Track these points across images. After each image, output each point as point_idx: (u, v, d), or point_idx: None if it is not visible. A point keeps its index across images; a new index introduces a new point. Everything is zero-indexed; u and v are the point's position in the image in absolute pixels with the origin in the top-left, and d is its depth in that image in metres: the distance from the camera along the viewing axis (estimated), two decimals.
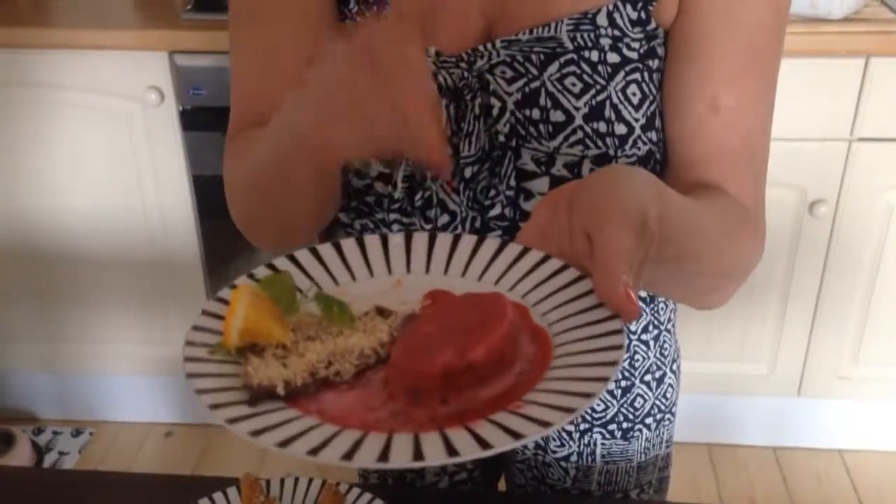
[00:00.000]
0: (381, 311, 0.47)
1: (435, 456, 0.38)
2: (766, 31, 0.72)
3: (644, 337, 0.87)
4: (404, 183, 0.72)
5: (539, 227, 0.52)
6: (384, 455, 0.38)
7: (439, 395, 0.41)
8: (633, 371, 0.87)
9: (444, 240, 0.54)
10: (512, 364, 0.43)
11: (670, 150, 0.74)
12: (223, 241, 2.00)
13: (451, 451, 0.38)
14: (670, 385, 0.92)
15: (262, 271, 0.50)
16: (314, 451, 0.38)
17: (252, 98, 0.76)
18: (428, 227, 0.72)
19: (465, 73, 0.70)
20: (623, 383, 0.87)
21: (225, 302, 0.47)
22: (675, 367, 0.92)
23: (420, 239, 0.54)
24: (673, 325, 0.92)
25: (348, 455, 0.38)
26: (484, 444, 0.38)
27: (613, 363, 0.43)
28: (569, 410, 0.40)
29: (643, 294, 0.86)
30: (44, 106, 1.80)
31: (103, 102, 1.80)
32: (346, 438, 0.40)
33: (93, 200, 1.88)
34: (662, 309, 0.88)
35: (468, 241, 0.53)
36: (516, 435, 0.39)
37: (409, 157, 0.51)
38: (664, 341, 0.89)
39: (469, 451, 0.38)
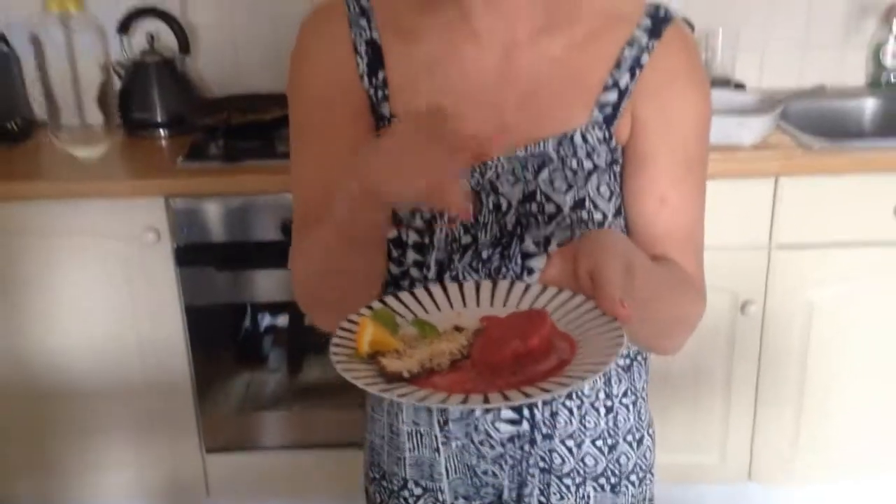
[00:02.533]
0: (458, 328, 0.71)
1: (496, 401, 0.62)
2: (696, 147, 1.00)
3: (624, 401, 1.09)
4: (436, 266, 0.96)
5: (553, 271, 0.77)
6: (465, 401, 0.62)
7: (511, 371, 0.65)
8: (617, 430, 1.09)
9: (486, 284, 0.79)
10: (553, 352, 0.67)
11: (631, 231, 1.00)
12: (212, 370, 2.19)
13: (506, 398, 0.62)
14: (648, 447, 1.14)
15: (369, 310, 0.74)
16: (442, 402, 0.61)
17: (313, 201, 0.99)
18: None
19: (480, 180, 0.96)
20: (609, 441, 1.09)
21: (347, 330, 0.70)
22: (650, 431, 1.15)
23: (469, 286, 0.79)
24: (646, 395, 1.15)
25: (444, 402, 0.62)
26: (528, 396, 0.62)
27: (619, 345, 0.67)
28: (596, 370, 0.64)
29: (621, 362, 1.09)
30: (46, 251, 2.01)
31: (103, 245, 2.01)
32: (450, 398, 0.63)
33: (90, 335, 2.07)
34: (637, 378, 1.11)
35: (504, 284, 0.78)
36: (564, 385, 0.62)
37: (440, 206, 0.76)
38: (640, 407, 1.12)
39: (517, 399, 0.62)
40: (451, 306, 0.78)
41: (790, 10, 2.45)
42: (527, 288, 0.78)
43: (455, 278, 0.96)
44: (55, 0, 0.79)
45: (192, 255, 2.03)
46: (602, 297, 0.72)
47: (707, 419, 2.15)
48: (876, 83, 2.46)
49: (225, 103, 2.25)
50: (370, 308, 0.74)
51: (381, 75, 0.99)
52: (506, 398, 0.62)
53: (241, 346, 2.42)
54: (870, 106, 2.40)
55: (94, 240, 2.01)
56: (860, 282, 2.05)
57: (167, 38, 2.30)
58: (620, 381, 1.08)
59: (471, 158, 0.77)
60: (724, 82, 2.35)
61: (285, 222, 1.98)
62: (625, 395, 1.08)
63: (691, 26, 2.33)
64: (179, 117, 2.23)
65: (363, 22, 1.00)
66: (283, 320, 2.49)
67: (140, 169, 2.07)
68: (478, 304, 0.78)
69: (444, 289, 0.79)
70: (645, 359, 1.12)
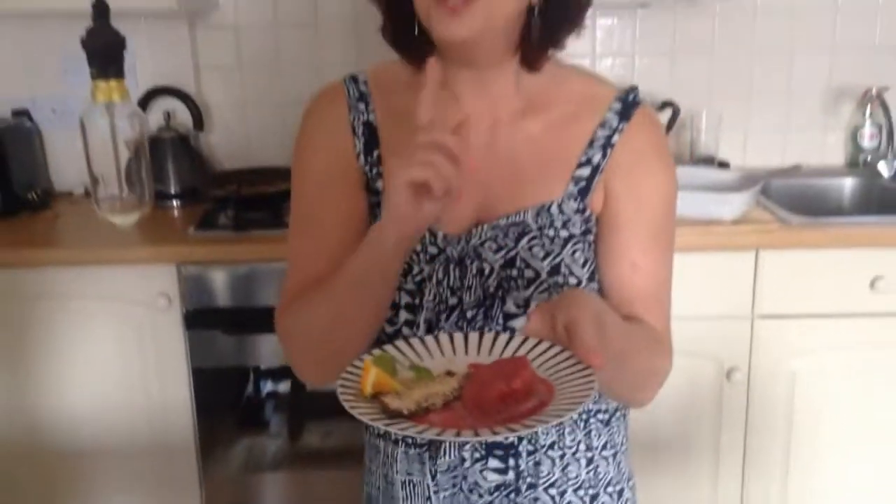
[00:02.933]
0: (450, 373, 0.81)
1: (484, 435, 0.72)
2: (663, 218, 1.11)
3: (604, 453, 1.18)
4: (425, 325, 1.06)
5: (534, 325, 0.87)
6: (458, 434, 0.72)
7: (496, 410, 0.74)
8: (598, 481, 1.17)
9: (473, 336, 0.90)
10: (533, 394, 0.77)
11: (605, 294, 1.11)
12: (216, 432, 2.27)
13: (494, 433, 0.72)
14: (629, 499, 1.22)
15: (371, 356, 0.84)
16: (437, 435, 0.71)
17: (307, 273, 1.09)
18: None
19: (465, 247, 1.06)
20: (591, 491, 1.17)
21: (352, 373, 0.81)
22: (630, 484, 1.23)
23: (459, 336, 0.90)
24: (626, 450, 1.23)
25: (440, 435, 0.72)
26: (513, 431, 0.72)
27: (592, 388, 0.77)
28: (572, 409, 0.73)
29: (601, 416, 1.18)
30: (61, 315, 2.11)
31: (116, 309, 2.12)
32: (444, 432, 0.73)
33: (99, 396, 2.16)
34: (617, 433, 1.20)
35: (489, 335, 0.89)
36: (544, 422, 0.72)
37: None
38: (620, 460, 1.21)
39: (503, 433, 0.71)
40: (443, 354, 0.88)
41: (771, 94, 2.61)
42: (510, 338, 0.88)
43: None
44: (102, 92, 0.91)
45: (201, 319, 2.13)
46: (577, 347, 0.83)
47: (696, 484, 2.22)
48: (854, 163, 2.60)
49: (235, 176, 2.38)
50: (371, 354, 0.84)
51: (375, 154, 1.10)
52: (494, 433, 0.72)
53: (244, 410, 2.50)
54: (848, 185, 2.54)
55: (107, 304, 2.11)
56: (840, 352, 2.15)
57: (183, 115, 2.45)
58: (600, 434, 1.16)
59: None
60: (708, 161, 2.49)
61: None
62: (604, 447, 1.17)
63: (677, 109, 2.48)
64: (192, 189, 2.36)
65: (361, 106, 1.12)
66: (284, 386, 2.58)
67: (154, 238, 2.19)
68: (466, 352, 0.88)
69: (437, 339, 0.89)
70: (624, 415, 1.21)
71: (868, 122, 2.56)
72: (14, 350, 2.12)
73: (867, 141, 2.57)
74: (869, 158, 2.56)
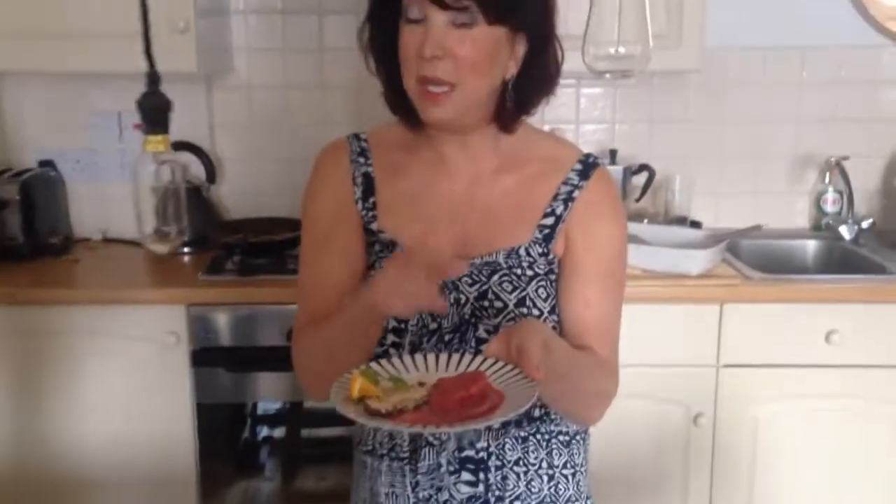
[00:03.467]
0: (421, 384, 1.00)
1: (443, 428, 0.91)
2: (615, 262, 1.31)
3: (564, 472, 1.35)
4: (409, 347, 1.25)
5: (493, 347, 1.06)
6: (423, 427, 0.91)
7: (457, 412, 0.94)
8: (557, 496, 1.34)
9: (443, 356, 1.10)
10: (487, 400, 0.96)
11: (563, 325, 1.29)
12: (215, 468, 2.43)
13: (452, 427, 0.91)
14: None
15: (358, 369, 1.04)
16: (408, 429, 0.90)
17: (316, 297, 1.30)
18: None
19: (445, 281, 1.24)
20: None
21: (342, 382, 1.00)
22: (589, 502, 1.41)
23: (431, 356, 1.10)
24: (585, 470, 1.40)
25: (410, 428, 0.91)
26: (466, 425, 0.92)
27: (533, 396, 0.96)
28: (516, 412, 0.93)
29: (562, 438, 1.35)
30: (77, 351, 2.29)
31: (127, 346, 2.29)
32: (413, 427, 0.93)
33: (110, 427, 2.31)
34: (576, 454, 1.37)
35: (456, 355, 1.09)
36: (492, 419, 0.92)
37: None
38: (579, 479, 1.38)
39: (459, 427, 0.91)
40: (418, 370, 1.07)
41: (741, 161, 2.84)
42: (472, 358, 1.08)
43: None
44: (151, 144, 1.12)
45: (206, 356, 2.31)
46: (524, 365, 1.02)
47: None
48: (818, 226, 2.81)
49: (243, 225, 2.59)
50: (358, 368, 1.04)
51: (371, 200, 1.31)
52: (450, 426, 0.91)
53: (241, 453, 2.67)
54: (812, 246, 2.74)
55: (120, 341, 2.29)
56: (798, 400, 2.32)
57: (196, 168, 2.67)
58: (561, 454, 1.34)
59: (439, 276, 1.11)
60: (681, 220, 2.70)
61: (290, 330, 2.26)
62: (565, 466, 1.34)
63: (653, 172, 2.70)
64: (203, 237, 2.56)
65: (361, 159, 1.34)
66: (279, 432, 2.75)
67: (166, 281, 2.38)
68: (437, 369, 1.07)
69: (413, 357, 1.09)
70: (583, 438, 1.38)
71: (830, 189, 2.77)
72: (32, 382, 2.29)
73: (830, 206, 2.78)
74: (831, 222, 2.76)
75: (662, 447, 2.35)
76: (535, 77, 1.26)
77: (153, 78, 1.06)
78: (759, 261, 2.48)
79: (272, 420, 2.78)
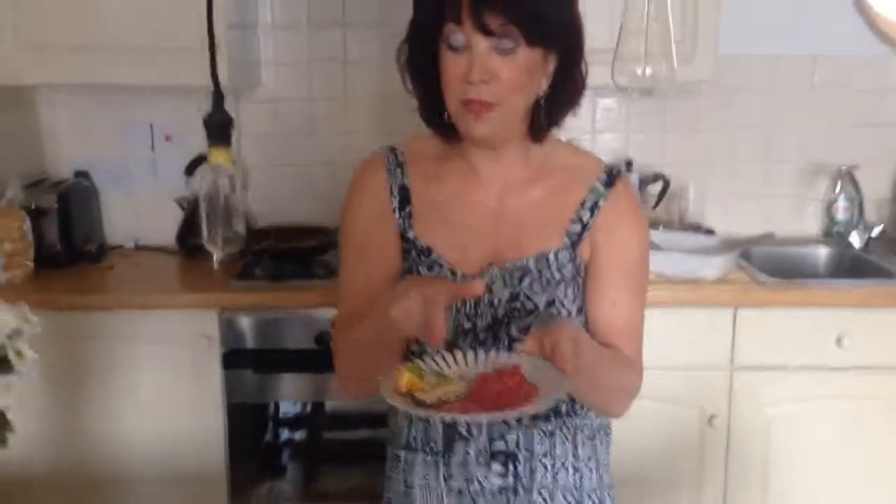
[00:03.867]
0: (461, 377, 1.10)
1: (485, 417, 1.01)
2: (638, 266, 1.40)
3: (589, 464, 1.44)
4: (445, 346, 1.34)
5: (528, 345, 1.15)
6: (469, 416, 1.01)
7: (495, 402, 1.03)
8: (582, 487, 1.43)
9: (481, 353, 1.20)
10: (522, 391, 1.06)
11: (590, 325, 1.39)
12: (244, 463, 2.53)
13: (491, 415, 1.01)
14: None
15: (405, 365, 1.13)
16: (452, 417, 1.00)
17: (354, 299, 1.39)
18: None
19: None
20: (576, 495, 1.41)
21: (389, 376, 1.10)
22: (611, 493, 1.49)
23: (470, 353, 1.20)
24: (607, 463, 1.49)
25: (455, 417, 1.01)
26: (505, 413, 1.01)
27: (563, 388, 1.05)
28: (548, 403, 1.02)
29: (587, 432, 1.44)
30: (115, 354, 2.39)
31: (162, 349, 2.39)
32: (457, 416, 1.02)
33: (141, 428, 2.41)
34: (600, 447, 1.45)
35: (493, 352, 1.18)
36: (528, 409, 1.01)
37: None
38: (602, 473, 1.47)
39: (498, 415, 1.01)
40: (458, 365, 1.17)
41: (753, 168, 2.92)
42: (508, 355, 1.17)
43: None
44: (215, 156, 1.22)
45: (236, 358, 2.41)
46: (556, 360, 1.11)
47: None
48: (828, 233, 2.89)
49: (271, 233, 2.68)
50: (405, 364, 1.13)
51: (407, 209, 1.41)
52: (490, 415, 1.00)
53: (263, 455, 2.77)
54: (823, 252, 2.82)
55: (155, 345, 2.39)
56: (809, 402, 2.41)
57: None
58: (585, 447, 1.43)
59: (455, 296, 1.20)
60: (696, 227, 2.79)
61: (319, 334, 2.36)
62: (589, 459, 1.43)
63: (668, 181, 2.79)
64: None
65: (398, 172, 1.43)
66: (300, 434, 2.85)
67: (198, 286, 2.48)
68: (476, 365, 1.17)
69: (454, 354, 1.19)
70: (606, 433, 1.48)
71: (841, 197, 2.85)
72: (72, 384, 2.40)
73: (840, 214, 2.85)
74: (842, 230, 2.84)
75: (678, 448, 2.44)
76: (565, 91, 1.34)
77: (218, 97, 1.16)
78: (770, 266, 2.56)
79: (293, 423, 2.87)
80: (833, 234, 2.86)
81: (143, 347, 2.39)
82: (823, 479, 2.45)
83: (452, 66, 1.28)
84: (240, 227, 1.23)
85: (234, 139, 2.75)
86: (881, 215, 2.90)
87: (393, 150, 1.45)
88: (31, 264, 2.47)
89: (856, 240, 2.78)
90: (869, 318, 2.37)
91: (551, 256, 1.37)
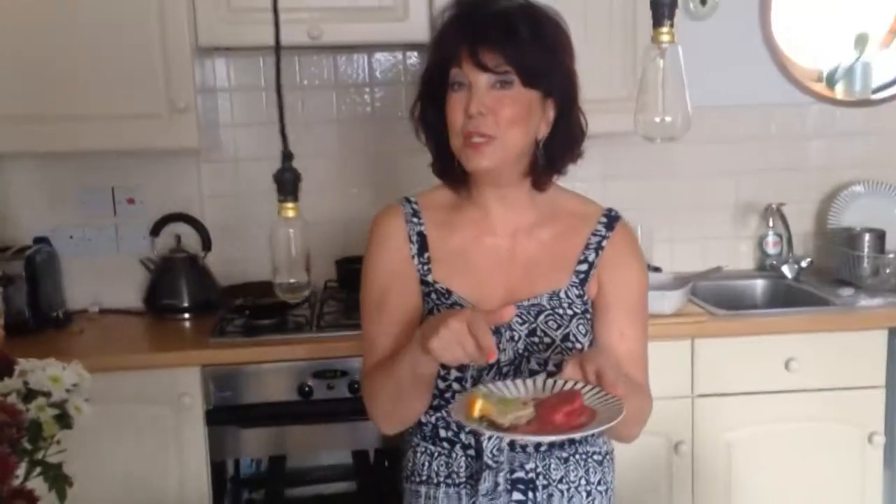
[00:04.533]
0: (525, 403, 1.21)
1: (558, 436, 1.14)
2: (640, 299, 1.56)
3: (599, 488, 1.57)
4: (471, 381, 1.45)
5: (569, 371, 1.27)
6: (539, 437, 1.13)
7: (558, 426, 1.15)
8: None
9: (528, 380, 1.32)
10: (583, 413, 1.18)
11: None
12: None
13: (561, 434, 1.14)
14: None
15: (477, 391, 1.24)
16: (530, 438, 1.12)
17: (379, 349, 1.50)
18: None
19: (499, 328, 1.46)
20: None
21: (460, 403, 1.21)
22: None
23: (518, 380, 1.32)
24: (614, 487, 1.62)
25: (532, 437, 1.14)
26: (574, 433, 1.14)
27: (621, 411, 1.18)
28: (611, 422, 1.15)
29: (597, 458, 1.58)
30: (96, 415, 2.38)
31: (143, 410, 2.41)
32: (534, 436, 1.14)
33: (122, 487, 2.41)
34: (608, 472, 1.60)
35: (541, 378, 1.31)
36: (593, 428, 1.14)
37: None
38: (610, 495, 1.61)
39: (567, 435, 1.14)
40: (517, 391, 1.29)
41: (690, 210, 3.15)
42: (555, 381, 1.29)
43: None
44: (285, 210, 1.31)
45: (219, 415, 2.44)
46: (607, 385, 1.24)
47: None
48: (762, 267, 3.14)
49: (241, 290, 2.74)
50: (477, 390, 1.24)
51: (425, 255, 1.53)
52: (560, 434, 1.13)
53: None
54: (759, 284, 3.06)
55: (134, 406, 2.40)
56: (764, 424, 2.60)
57: (188, 238, 2.81)
58: (596, 472, 1.57)
59: (489, 322, 1.26)
60: (648, 267, 2.97)
61: (300, 385, 2.42)
62: (599, 483, 1.57)
63: None
64: (201, 302, 2.70)
65: (414, 220, 1.55)
66: (258, 495, 2.86)
67: (176, 345, 2.52)
68: (527, 389, 1.29)
69: (505, 383, 1.31)
70: (612, 458, 1.62)
71: (771, 233, 3.11)
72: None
73: (771, 248, 3.11)
74: (774, 262, 3.09)
75: (646, 473, 2.58)
76: (563, 138, 1.49)
77: (286, 155, 1.26)
78: (715, 299, 2.77)
79: (252, 483, 2.88)
80: (766, 266, 3.10)
81: (121, 409, 2.39)
82: (784, 497, 2.63)
83: (454, 104, 1.42)
84: (308, 275, 1.33)
85: (197, 200, 2.86)
86: (807, 248, 3.16)
87: (408, 200, 1.58)
88: (2, 332, 2.45)
89: (787, 271, 3.02)
90: (813, 343, 2.58)
91: (563, 294, 1.50)
